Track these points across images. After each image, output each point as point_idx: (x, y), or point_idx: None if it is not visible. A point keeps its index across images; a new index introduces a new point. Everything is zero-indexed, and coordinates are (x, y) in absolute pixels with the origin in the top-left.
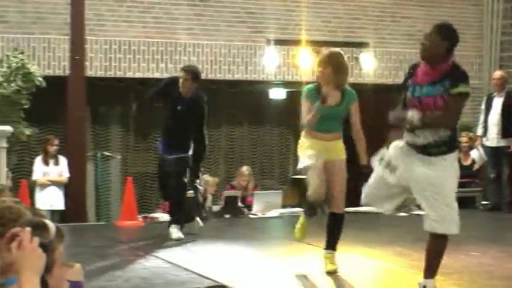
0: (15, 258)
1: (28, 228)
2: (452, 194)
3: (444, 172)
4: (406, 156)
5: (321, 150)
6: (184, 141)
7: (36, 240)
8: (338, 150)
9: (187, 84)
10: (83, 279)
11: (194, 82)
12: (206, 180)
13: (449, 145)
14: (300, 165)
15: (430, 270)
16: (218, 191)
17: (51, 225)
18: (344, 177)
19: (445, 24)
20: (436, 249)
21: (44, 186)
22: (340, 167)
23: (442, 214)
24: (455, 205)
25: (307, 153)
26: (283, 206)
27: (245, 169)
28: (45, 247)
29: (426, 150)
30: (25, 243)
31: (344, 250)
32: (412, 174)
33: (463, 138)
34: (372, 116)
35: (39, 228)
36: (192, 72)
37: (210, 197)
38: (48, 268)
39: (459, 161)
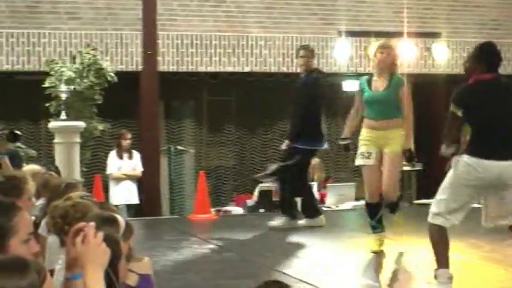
0: (79, 253)
1: (92, 223)
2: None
3: None
4: None
5: (372, 140)
6: None
7: (100, 234)
8: (390, 140)
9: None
10: (151, 272)
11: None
12: None
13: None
14: (356, 163)
15: None
16: None
17: (121, 219)
18: (393, 169)
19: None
20: None
21: (118, 180)
22: (390, 159)
23: None
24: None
25: (360, 149)
26: (357, 199)
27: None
28: (111, 241)
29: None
30: (89, 237)
31: (417, 242)
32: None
33: None
34: (444, 106)
35: (108, 222)
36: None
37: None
38: (115, 261)
39: None
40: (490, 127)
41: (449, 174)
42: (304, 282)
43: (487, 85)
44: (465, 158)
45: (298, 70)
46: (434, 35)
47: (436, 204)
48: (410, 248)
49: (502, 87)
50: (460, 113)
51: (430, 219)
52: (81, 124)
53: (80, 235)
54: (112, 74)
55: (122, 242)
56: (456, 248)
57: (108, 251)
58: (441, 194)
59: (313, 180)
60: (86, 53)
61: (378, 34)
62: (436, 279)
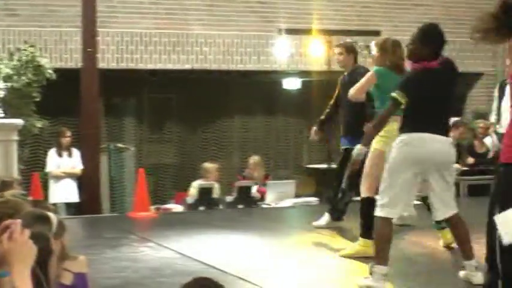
0: (5, 250)
1: (18, 220)
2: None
3: None
4: None
5: None
6: None
7: (27, 232)
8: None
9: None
10: (87, 271)
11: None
12: (205, 168)
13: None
14: None
15: None
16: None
17: (53, 217)
18: (368, 165)
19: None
20: None
21: (58, 178)
22: (369, 155)
23: None
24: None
25: None
26: (297, 196)
27: (251, 159)
28: (40, 238)
29: None
30: (15, 235)
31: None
32: None
33: (480, 125)
34: None
35: (40, 220)
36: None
37: (216, 186)
38: (44, 259)
39: (473, 148)
40: (426, 108)
41: (387, 164)
42: (244, 279)
43: (434, 73)
44: (398, 140)
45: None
46: (373, 33)
47: (380, 195)
48: (347, 244)
49: (447, 75)
50: (403, 102)
51: (376, 212)
52: (19, 121)
53: (7, 232)
54: (51, 71)
55: (54, 240)
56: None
57: (34, 248)
58: (382, 183)
59: (252, 178)
60: (23, 50)
61: (318, 32)
62: (371, 275)
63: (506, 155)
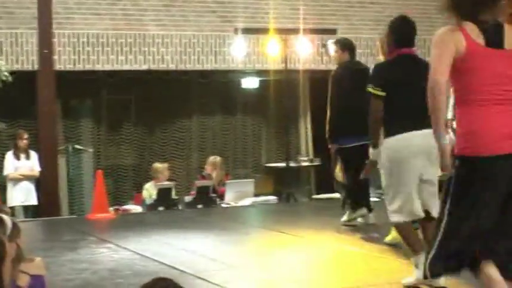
0: None
1: None
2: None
3: None
4: None
5: None
6: None
7: None
8: None
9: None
10: (44, 273)
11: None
12: (156, 168)
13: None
14: None
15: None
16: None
17: (7, 220)
18: None
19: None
20: None
21: (16, 181)
22: None
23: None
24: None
25: None
26: (256, 195)
27: (211, 158)
28: None
29: None
30: None
31: (315, 237)
32: None
33: None
34: None
35: None
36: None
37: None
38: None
39: None
40: (408, 102)
41: (383, 169)
42: (204, 279)
43: (405, 59)
44: (388, 142)
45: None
46: (330, 32)
47: (388, 202)
48: (307, 243)
49: (418, 61)
50: (381, 92)
51: (390, 218)
52: None
53: None
54: (7, 74)
55: (9, 243)
56: (353, 242)
57: None
58: (386, 189)
59: (211, 178)
60: None
61: (275, 31)
62: (417, 267)
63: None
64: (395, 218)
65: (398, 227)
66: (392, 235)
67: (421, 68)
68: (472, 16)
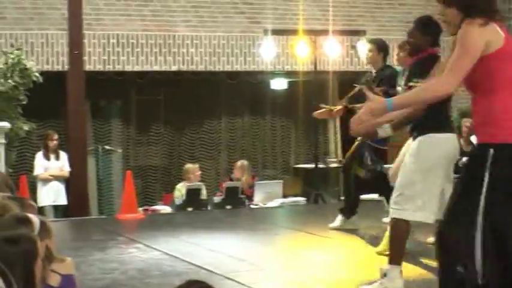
0: None
1: None
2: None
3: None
4: None
5: None
6: None
7: None
8: None
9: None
10: (74, 273)
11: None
12: (187, 169)
13: (421, 126)
14: None
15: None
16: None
17: (35, 220)
18: None
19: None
20: None
21: (46, 181)
22: None
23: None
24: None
25: None
26: (284, 196)
27: (239, 163)
28: (24, 240)
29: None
30: None
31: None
32: None
33: (466, 124)
34: None
35: (22, 222)
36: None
37: (204, 187)
38: (30, 261)
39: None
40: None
41: (413, 160)
42: (232, 279)
43: (437, 58)
44: (438, 138)
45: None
46: (359, 33)
47: (409, 198)
48: (336, 244)
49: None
50: None
51: (409, 217)
52: (6, 125)
53: None
54: (37, 74)
55: (39, 242)
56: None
57: None
58: (409, 184)
59: (239, 180)
60: (10, 53)
61: (304, 32)
62: (385, 276)
63: None
64: (418, 216)
65: (398, 227)
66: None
67: None
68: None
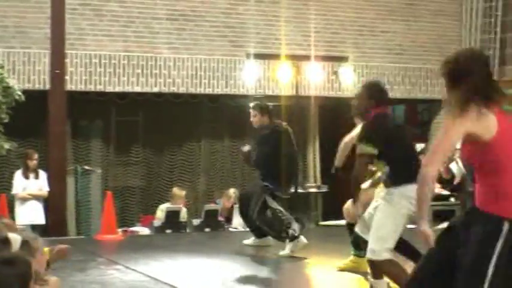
0: None
1: None
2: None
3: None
4: None
5: None
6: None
7: None
8: None
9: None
10: None
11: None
12: (174, 193)
13: (391, 179)
14: None
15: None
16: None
17: (15, 239)
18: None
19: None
20: None
21: (24, 200)
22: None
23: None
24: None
25: None
26: None
27: (232, 191)
28: (13, 262)
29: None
30: None
31: (323, 262)
32: None
33: None
34: (350, 129)
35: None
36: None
37: (184, 210)
38: (25, 282)
39: (440, 175)
40: (408, 154)
41: (384, 209)
42: None
43: (388, 117)
44: (398, 190)
45: (206, 92)
46: (341, 59)
47: (381, 240)
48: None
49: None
50: (372, 151)
51: (378, 257)
52: None
53: None
54: (20, 93)
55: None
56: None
57: None
58: (384, 228)
59: (231, 210)
60: None
61: (286, 57)
62: None
63: None
64: (387, 255)
65: (393, 266)
66: (346, 263)
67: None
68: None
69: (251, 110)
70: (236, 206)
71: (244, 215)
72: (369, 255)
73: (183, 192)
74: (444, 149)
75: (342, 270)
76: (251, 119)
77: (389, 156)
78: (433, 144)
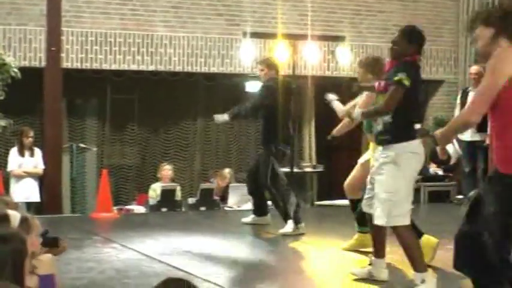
0: None
1: None
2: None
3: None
4: None
5: None
6: None
7: None
8: None
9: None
10: (54, 272)
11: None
12: (159, 167)
13: (393, 134)
14: None
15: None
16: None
17: (14, 216)
18: None
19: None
20: None
21: (19, 178)
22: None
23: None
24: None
25: None
26: None
27: (227, 171)
28: (7, 239)
29: (377, 139)
30: None
31: (319, 242)
32: None
33: None
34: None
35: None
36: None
37: (178, 188)
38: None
39: (435, 155)
40: (416, 113)
41: (394, 172)
42: (208, 281)
43: (419, 68)
44: (415, 146)
45: (203, 70)
46: (338, 39)
47: (398, 205)
48: (310, 248)
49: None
50: (408, 84)
51: (396, 222)
52: None
53: None
54: (16, 70)
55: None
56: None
57: None
58: (398, 193)
59: (226, 189)
60: None
61: (283, 36)
62: (423, 284)
63: None
64: (406, 220)
65: (409, 236)
66: (351, 243)
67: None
68: None
69: (258, 65)
70: (232, 185)
71: (252, 191)
72: (380, 222)
73: (169, 166)
74: (491, 90)
75: (347, 250)
76: (258, 73)
77: (405, 105)
78: (478, 90)
